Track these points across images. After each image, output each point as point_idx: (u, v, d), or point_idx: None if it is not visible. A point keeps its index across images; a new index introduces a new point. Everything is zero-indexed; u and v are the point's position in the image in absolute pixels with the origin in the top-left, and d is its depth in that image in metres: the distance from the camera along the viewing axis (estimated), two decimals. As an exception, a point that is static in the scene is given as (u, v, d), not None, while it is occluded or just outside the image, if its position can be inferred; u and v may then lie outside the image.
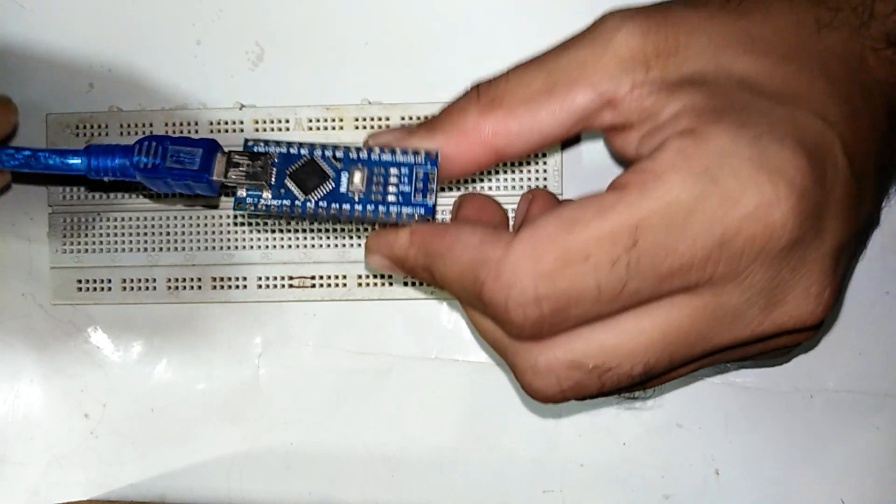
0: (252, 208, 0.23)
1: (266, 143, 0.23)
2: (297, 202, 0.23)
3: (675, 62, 0.22)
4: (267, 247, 0.31)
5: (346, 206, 0.23)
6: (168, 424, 0.32)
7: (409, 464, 0.32)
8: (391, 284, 0.31)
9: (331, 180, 0.23)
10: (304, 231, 0.31)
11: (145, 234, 0.31)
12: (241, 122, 0.31)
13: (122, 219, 0.31)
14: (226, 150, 0.24)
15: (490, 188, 0.31)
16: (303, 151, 0.23)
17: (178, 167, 0.23)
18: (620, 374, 0.21)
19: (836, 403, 0.31)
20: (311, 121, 0.31)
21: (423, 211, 0.23)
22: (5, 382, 0.33)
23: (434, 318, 0.32)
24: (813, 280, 0.21)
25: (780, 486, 0.31)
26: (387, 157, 0.23)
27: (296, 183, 0.23)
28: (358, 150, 0.23)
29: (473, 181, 0.31)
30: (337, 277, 0.31)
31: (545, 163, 0.30)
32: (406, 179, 0.23)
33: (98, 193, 0.31)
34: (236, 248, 0.31)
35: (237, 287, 0.31)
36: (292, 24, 0.32)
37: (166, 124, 0.31)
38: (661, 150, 0.20)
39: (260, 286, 0.31)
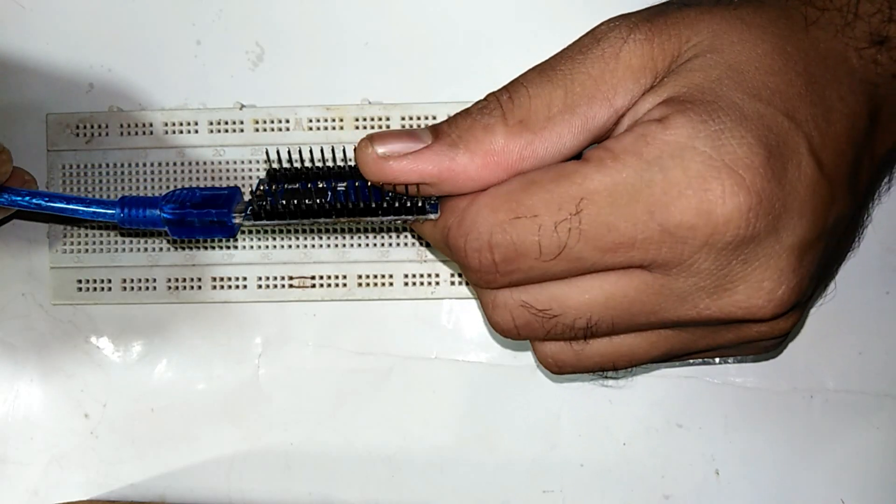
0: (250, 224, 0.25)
1: (286, 172, 0.24)
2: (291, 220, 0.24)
3: (678, 60, 0.22)
4: (267, 247, 0.31)
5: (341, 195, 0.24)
6: (168, 424, 0.32)
7: (409, 464, 0.32)
8: (391, 285, 0.31)
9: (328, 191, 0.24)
10: (305, 231, 0.31)
11: (145, 233, 0.31)
12: (241, 122, 0.31)
13: (122, 219, 0.31)
14: (243, 193, 0.25)
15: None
16: (320, 188, 0.24)
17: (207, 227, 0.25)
18: (564, 323, 0.23)
19: (836, 403, 0.31)
20: (311, 121, 0.31)
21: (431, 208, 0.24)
22: (5, 382, 0.33)
23: (434, 318, 0.32)
24: (766, 276, 0.21)
25: (780, 485, 0.31)
26: (389, 218, 0.24)
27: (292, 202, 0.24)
28: (356, 197, 0.23)
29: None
30: (337, 277, 0.31)
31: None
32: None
33: (99, 193, 0.31)
34: (236, 248, 0.31)
35: (237, 287, 0.31)
36: (292, 24, 0.32)
37: (166, 124, 0.31)
38: (627, 133, 0.21)
39: (260, 286, 0.31)
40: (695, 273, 0.21)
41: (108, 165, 0.31)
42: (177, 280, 0.31)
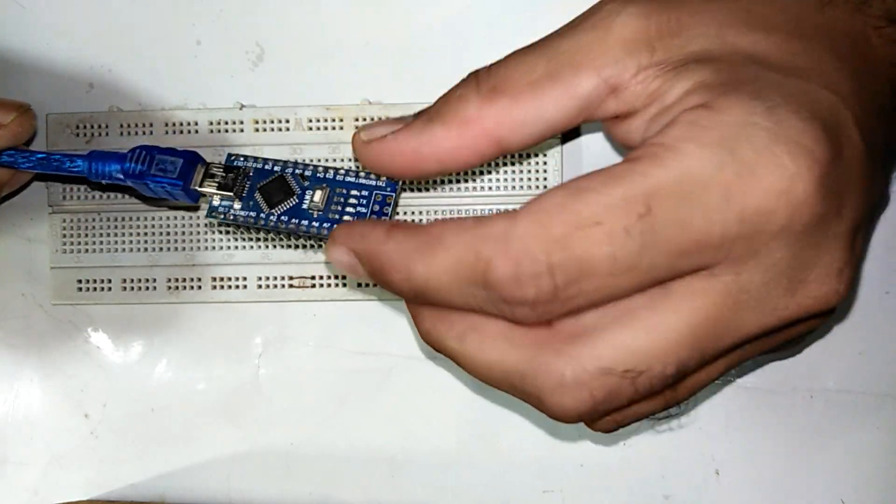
0: (221, 217, 0.25)
1: (246, 157, 0.25)
2: (261, 214, 0.25)
3: (680, 42, 0.21)
4: (267, 247, 0.31)
5: (304, 222, 0.24)
6: (168, 424, 0.32)
7: (409, 464, 0.32)
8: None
9: (295, 196, 0.24)
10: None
11: (145, 233, 0.31)
12: (242, 122, 0.31)
13: (122, 219, 0.31)
14: (207, 161, 0.26)
15: (489, 187, 0.31)
16: (276, 168, 0.25)
17: (161, 175, 0.25)
18: (653, 376, 0.20)
19: (836, 403, 0.31)
20: (311, 121, 0.31)
21: None
22: (5, 382, 0.33)
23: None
24: (835, 257, 0.20)
25: (780, 485, 0.31)
26: (351, 178, 0.24)
27: (263, 197, 0.25)
28: (327, 170, 0.24)
29: (471, 179, 0.31)
30: (337, 277, 0.31)
31: (545, 161, 0.30)
32: (364, 202, 0.24)
33: (98, 193, 0.31)
34: (236, 248, 0.31)
35: (237, 287, 0.31)
36: (292, 24, 0.32)
37: (166, 124, 0.31)
38: (673, 125, 0.19)
39: (260, 286, 0.31)
40: (770, 266, 0.19)
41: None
42: (177, 280, 0.31)
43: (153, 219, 0.31)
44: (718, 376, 0.22)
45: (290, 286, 0.31)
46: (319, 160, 0.30)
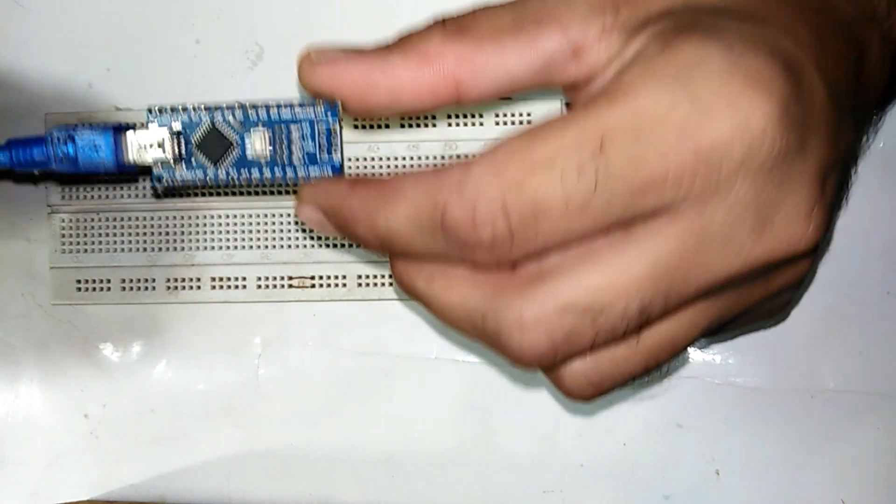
0: (169, 183, 0.23)
1: (172, 110, 0.23)
2: (208, 172, 0.23)
3: (644, 3, 0.21)
4: (266, 247, 0.31)
5: (255, 172, 0.23)
6: (168, 424, 0.32)
7: (409, 464, 0.32)
8: (391, 285, 0.31)
9: (235, 147, 0.23)
10: (304, 231, 0.31)
11: (145, 233, 0.31)
12: (241, 122, 0.31)
13: (122, 218, 0.31)
14: (130, 126, 0.23)
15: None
16: (203, 118, 0.23)
17: (92, 154, 0.23)
18: (614, 315, 0.20)
19: (836, 403, 0.31)
20: (310, 121, 0.31)
21: (330, 170, 0.22)
22: (5, 383, 0.33)
23: (434, 318, 0.32)
24: (802, 197, 0.20)
25: (780, 486, 0.31)
26: (286, 113, 0.22)
27: (204, 153, 0.23)
28: (256, 108, 0.23)
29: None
30: (337, 277, 0.31)
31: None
32: (309, 137, 0.22)
33: (98, 193, 0.31)
34: (235, 248, 0.31)
35: (237, 287, 0.31)
36: (291, 23, 0.32)
37: (166, 124, 0.31)
38: (628, 69, 0.20)
39: (259, 286, 0.31)
40: (733, 205, 0.19)
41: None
42: (176, 280, 0.31)
43: (152, 219, 0.31)
44: (693, 334, 0.22)
45: (290, 286, 0.31)
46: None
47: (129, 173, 0.25)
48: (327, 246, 0.31)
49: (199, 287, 0.31)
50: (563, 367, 0.21)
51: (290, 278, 0.31)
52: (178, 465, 0.32)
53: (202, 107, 0.23)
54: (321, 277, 0.31)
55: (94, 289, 0.32)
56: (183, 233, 0.31)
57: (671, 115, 0.18)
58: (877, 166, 0.31)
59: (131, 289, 0.31)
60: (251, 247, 0.31)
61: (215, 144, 0.23)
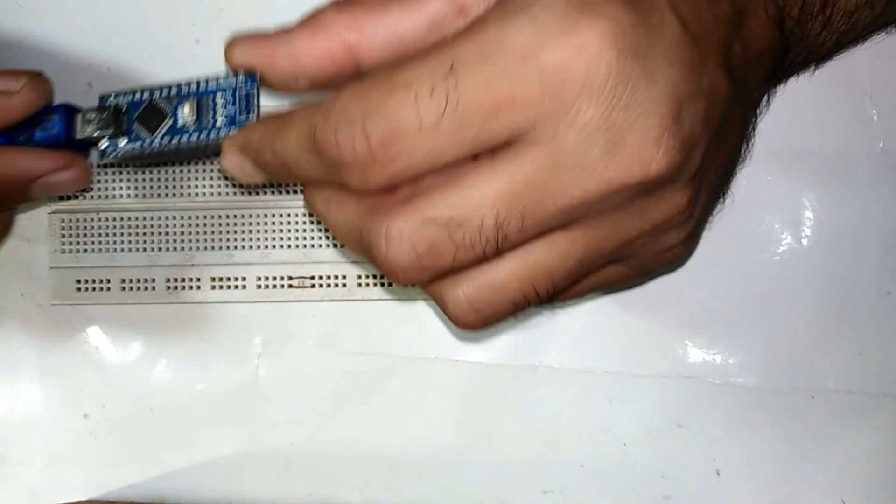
0: (112, 156, 0.26)
1: (116, 94, 0.26)
2: (146, 142, 0.26)
3: None
4: (266, 247, 0.31)
5: (185, 138, 0.25)
6: (167, 424, 0.32)
7: (409, 464, 0.32)
8: (391, 285, 0.31)
9: (169, 117, 0.26)
10: (304, 231, 0.31)
11: (144, 233, 0.31)
12: (241, 122, 0.31)
13: (121, 219, 0.31)
14: (81, 109, 0.27)
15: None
16: (144, 96, 0.26)
17: (44, 133, 0.27)
18: (471, 230, 0.21)
19: (837, 403, 0.31)
20: (310, 120, 0.31)
21: None
22: (4, 382, 0.33)
23: (434, 318, 0.32)
24: (650, 123, 0.21)
25: (780, 486, 0.31)
26: (213, 84, 0.25)
27: (142, 125, 0.26)
28: (189, 84, 0.25)
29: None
30: (337, 277, 0.31)
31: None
32: (231, 102, 0.25)
33: (98, 193, 0.31)
34: (236, 248, 0.31)
35: (237, 287, 0.31)
36: (292, 24, 0.32)
37: (165, 124, 0.31)
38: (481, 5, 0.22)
39: (259, 286, 0.31)
40: (582, 127, 0.20)
41: (107, 165, 0.31)
42: (176, 280, 0.31)
43: (152, 219, 0.31)
44: (569, 263, 0.23)
45: (290, 286, 0.31)
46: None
47: (81, 147, 0.27)
48: (327, 246, 0.31)
49: (198, 287, 0.31)
50: (444, 291, 0.23)
51: (290, 278, 0.31)
52: (177, 465, 0.32)
53: (146, 88, 0.26)
54: (321, 277, 0.31)
55: (94, 289, 0.31)
56: (183, 233, 0.31)
57: (515, 39, 0.20)
58: (877, 166, 0.31)
59: (131, 289, 0.31)
60: (251, 247, 0.31)
61: (153, 117, 0.26)
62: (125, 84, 0.32)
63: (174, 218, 0.31)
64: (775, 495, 0.31)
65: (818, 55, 0.30)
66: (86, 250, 0.31)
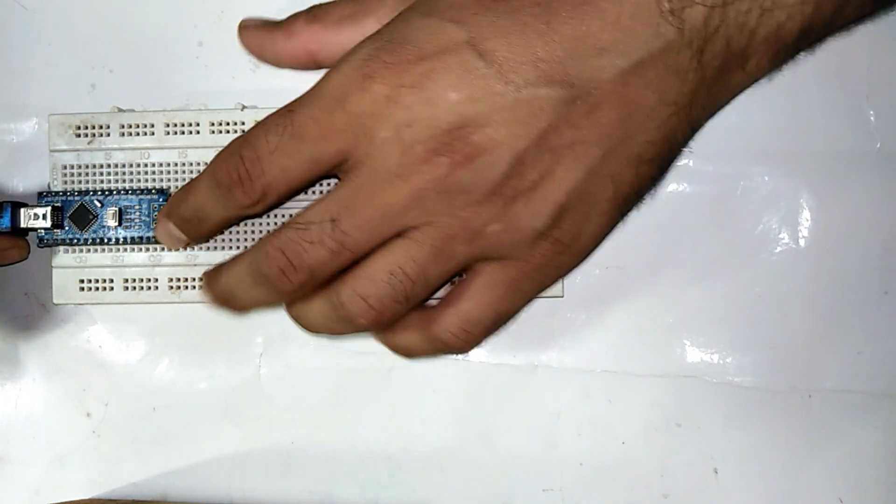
0: (48, 243, 0.31)
1: (55, 193, 0.31)
2: (77, 235, 0.31)
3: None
4: (268, 247, 0.31)
5: (108, 234, 0.31)
6: (169, 423, 0.32)
7: (409, 464, 0.32)
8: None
9: (96, 218, 0.31)
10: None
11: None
12: (243, 124, 0.31)
13: (124, 219, 0.32)
14: (26, 204, 0.31)
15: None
16: (77, 198, 0.31)
17: None
18: (316, 227, 0.26)
19: (835, 403, 0.31)
20: (311, 121, 0.31)
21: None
22: (8, 382, 0.33)
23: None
24: (428, 134, 0.25)
25: (778, 485, 0.31)
26: (132, 199, 0.31)
27: (73, 222, 0.31)
28: (112, 192, 0.31)
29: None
30: (337, 277, 0.31)
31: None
32: (146, 214, 0.31)
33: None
34: (238, 247, 0.31)
35: (238, 287, 0.31)
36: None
37: (167, 125, 0.31)
38: None
39: (261, 286, 0.31)
40: (380, 145, 0.25)
41: (109, 166, 0.31)
42: (178, 280, 0.32)
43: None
44: (428, 254, 0.26)
45: (291, 286, 0.31)
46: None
47: (24, 233, 0.32)
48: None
49: (201, 287, 0.32)
50: (338, 290, 0.27)
51: (291, 278, 0.31)
52: (179, 463, 0.32)
53: (76, 192, 0.31)
54: (322, 277, 0.31)
55: (97, 288, 0.32)
56: (185, 233, 0.31)
57: (332, 85, 0.26)
58: (874, 167, 0.31)
59: (134, 288, 0.32)
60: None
61: (83, 217, 0.31)
62: (128, 85, 0.32)
63: (176, 218, 0.31)
64: (773, 494, 0.31)
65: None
66: (89, 250, 0.32)
